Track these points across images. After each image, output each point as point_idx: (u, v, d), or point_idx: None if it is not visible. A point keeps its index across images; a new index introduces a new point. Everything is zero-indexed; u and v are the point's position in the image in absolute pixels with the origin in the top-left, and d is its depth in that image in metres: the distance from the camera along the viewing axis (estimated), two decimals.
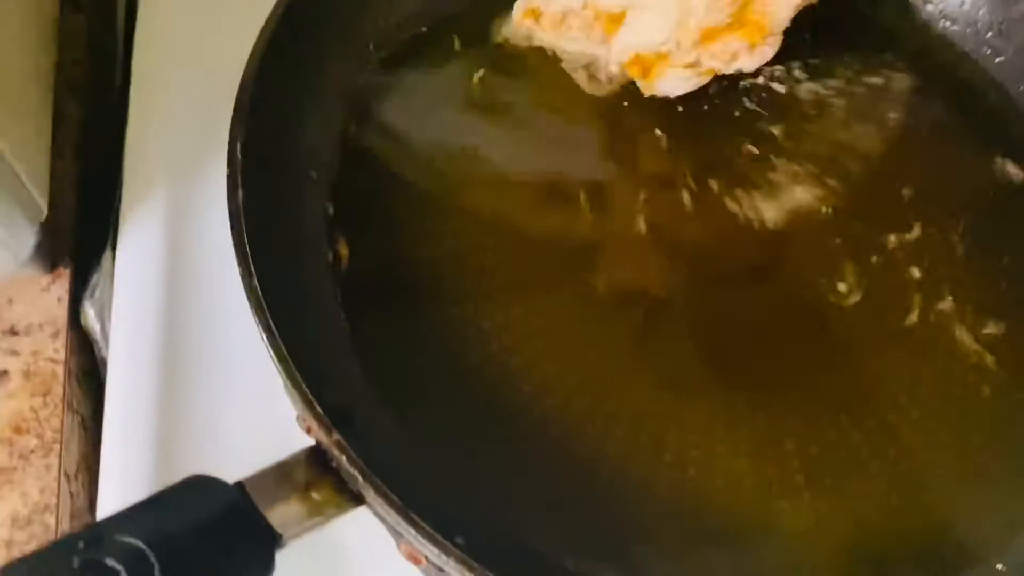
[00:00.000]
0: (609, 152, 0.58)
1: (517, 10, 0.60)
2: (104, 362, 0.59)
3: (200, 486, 0.37)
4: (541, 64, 0.60)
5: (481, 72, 0.60)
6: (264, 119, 0.50)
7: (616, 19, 0.56)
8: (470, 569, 0.38)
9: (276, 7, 0.53)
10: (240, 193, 0.46)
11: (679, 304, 0.52)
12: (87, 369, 0.60)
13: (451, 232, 0.54)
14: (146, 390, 0.54)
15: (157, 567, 0.33)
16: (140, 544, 0.33)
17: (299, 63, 0.54)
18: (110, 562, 0.32)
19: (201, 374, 0.55)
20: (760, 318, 0.52)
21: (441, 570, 0.41)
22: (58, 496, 0.54)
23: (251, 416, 0.53)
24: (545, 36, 0.60)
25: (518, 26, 0.60)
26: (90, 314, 0.59)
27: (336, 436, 0.39)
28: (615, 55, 0.56)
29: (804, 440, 0.49)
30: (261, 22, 0.53)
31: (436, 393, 0.49)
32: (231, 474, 0.41)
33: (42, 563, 0.33)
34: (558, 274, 0.53)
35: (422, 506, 0.39)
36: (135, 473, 0.52)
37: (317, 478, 0.40)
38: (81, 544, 0.33)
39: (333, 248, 0.53)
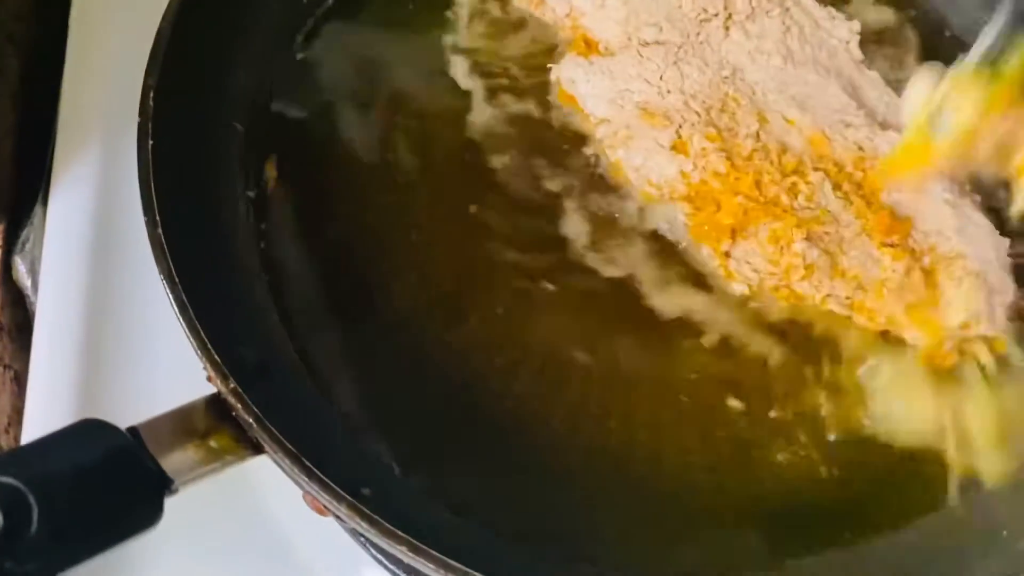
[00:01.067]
0: None
1: None
2: (33, 312, 0.59)
3: (89, 429, 0.36)
4: None
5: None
6: (183, 68, 0.50)
7: None
8: (364, 518, 0.38)
9: None
10: (150, 143, 0.46)
11: None
12: (19, 324, 0.60)
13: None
14: (72, 343, 0.54)
15: (36, 508, 0.33)
16: (19, 484, 0.33)
17: (220, 12, 0.53)
18: None
19: (127, 328, 0.55)
20: None
21: (340, 520, 0.41)
22: None
23: (174, 370, 0.53)
24: None
25: None
26: (21, 269, 0.59)
27: (232, 384, 0.39)
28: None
29: None
30: None
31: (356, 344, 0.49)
32: (135, 420, 0.41)
33: None
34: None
35: (321, 456, 0.39)
36: (58, 423, 0.52)
37: (215, 426, 0.40)
38: None
39: (255, 206, 0.52)
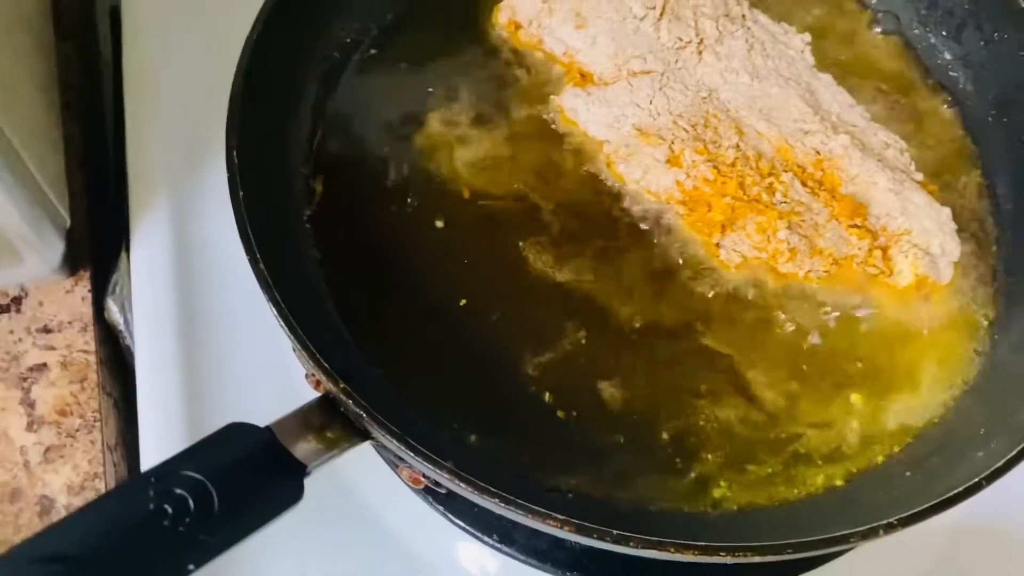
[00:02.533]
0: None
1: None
2: (129, 350, 0.67)
3: (237, 431, 0.46)
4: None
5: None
6: (252, 126, 0.59)
7: None
8: (462, 480, 0.47)
9: (260, 14, 0.61)
10: (241, 194, 0.55)
11: None
12: (113, 357, 0.69)
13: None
14: (169, 368, 0.63)
15: (215, 494, 0.42)
16: (200, 477, 0.42)
17: (282, 67, 0.62)
18: (179, 491, 0.41)
19: (215, 350, 0.64)
20: None
21: (438, 484, 0.51)
22: (104, 466, 0.63)
23: (261, 381, 0.62)
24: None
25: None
26: (113, 309, 0.67)
27: (343, 385, 0.49)
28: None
29: None
30: (237, 23, 0.61)
31: (415, 350, 0.59)
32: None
33: (125, 494, 0.42)
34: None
35: (416, 435, 0.49)
36: (169, 438, 0.61)
37: (329, 421, 0.49)
38: (153, 479, 0.42)
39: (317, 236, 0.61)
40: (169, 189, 0.70)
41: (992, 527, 0.62)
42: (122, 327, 0.67)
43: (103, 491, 0.62)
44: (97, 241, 0.70)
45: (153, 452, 0.60)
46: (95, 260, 0.69)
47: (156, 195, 0.70)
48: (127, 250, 0.68)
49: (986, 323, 0.61)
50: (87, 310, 0.67)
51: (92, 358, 0.66)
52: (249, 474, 0.44)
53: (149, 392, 0.63)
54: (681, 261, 0.62)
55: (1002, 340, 0.60)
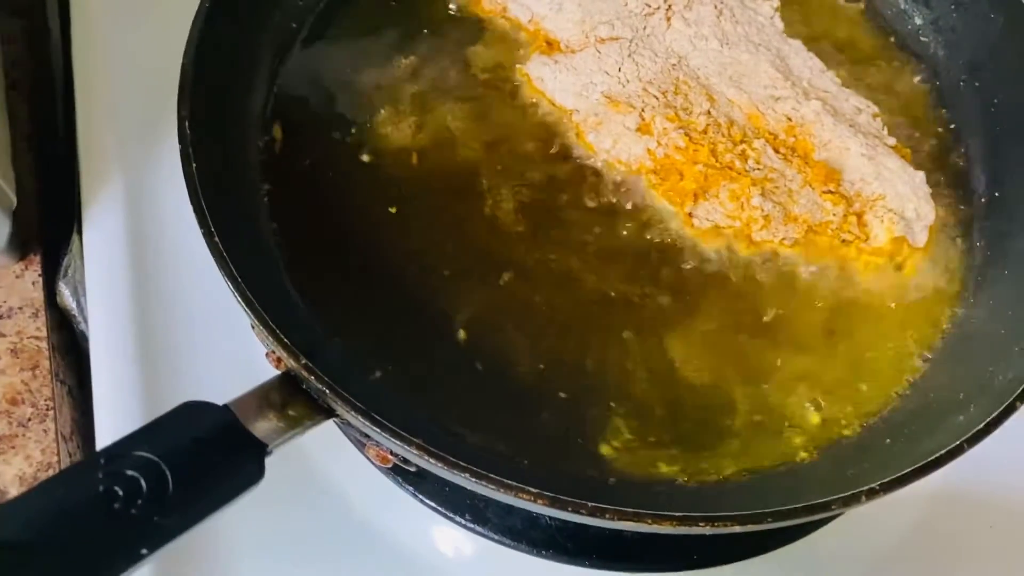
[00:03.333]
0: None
1: None
2: (83, 335, 0.65)
3: (194, 409, 0.44)
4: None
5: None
6: (204, 96, 0.56)
7: None
8: (432, 456, 0.45)
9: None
10: (194, 166, 0.52)
11: None
12: (67, 343, 0.66)
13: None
14: (125, 352, 0.61)
15: (169, 474, 0.40)
16: (153, 457, 0.40)
17: (233, 40, 0.60)
18: (130, 472, 0.39)
19: (172, 332, 0.62)
20: None
21: (407, 462, 0.49)
22: (58, 456, 0.60)
23: (221, 362, 0.60)
24: None
25: None
26: (65, 293, 0.65)
27: (304, 361, 0.47)
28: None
29: None
30: (188, 7, 0.58)
31: (373, 323, 0.56)
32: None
33: (72, 476, 0.40)
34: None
35: (383, 411, 0.47)
36: (127, 425, 0.58)
37: (291, 398, 0.47)
38: (103, 460, 0.39)
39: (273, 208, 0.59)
40: (122, 168, 0.67)
41: (972, 493, 0.62)
42: (75, 312, 0.65)
43: None
44: (47, 223, 0.67)
45: (108, 439, 0.58)
46: (45, 243, 0.66)
47: (108, 174, 0.67)
48: (79, 232, 0.65)
49: (961, 287, 0.60)
50: (38, 295, 0.64)
51: (44, 344, 0.63)
52: (206, 454, 0.42)
53: (104, 377, 0.60)
54: (653, 232, 0.60)
55: (977, 304, 0.59)
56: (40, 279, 0.65)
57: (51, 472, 0.60)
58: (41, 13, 0.79)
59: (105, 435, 0.58)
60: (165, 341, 0.61)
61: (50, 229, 0.67)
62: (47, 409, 0.61)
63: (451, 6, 0.68)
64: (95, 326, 0.62)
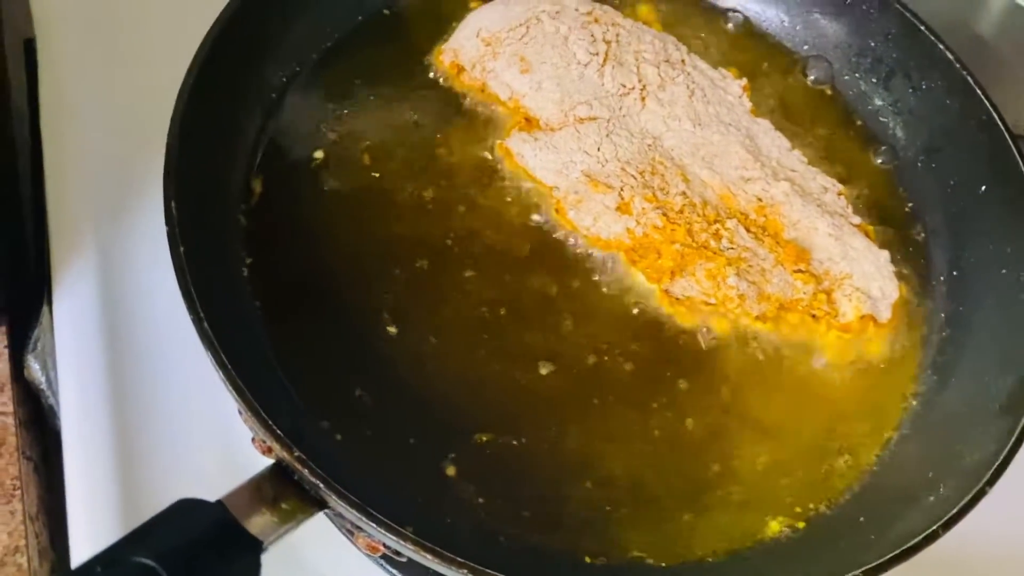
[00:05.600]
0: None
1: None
2: (52, 409, 0.63)
3: (188, 507, 0.43)
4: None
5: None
6: (190, 171, 0.56)
7: None
8: (424, 549, 0.45)
9: (191, 67, 0.58)
10: (182, 249, 0.52)
11: None
12: (33, 417, 0.64)
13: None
14: (99, 431, 0.59)
15: None
16: (150, 562, 0.39)
17: (215, 118, 0.60)
18: None
19: (149, 410, 0.60)
20: None
21: (399, 553, 0.49)
22: (26, 538, 0.58)
23: (201, 443, 0.59)
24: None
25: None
26: (34, 367, 0.63)
27: (297, 453, 0.46)
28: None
29: None
30: (154, 69, 0.58)
31: (360, 409, 0.56)
32: (193, 494, 0.47)
33: None
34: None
35: (374, 503, 0.47)
36: (100, 507, 0.57)
37: (282, 491, 0.47)
38: (99, 568, 0.38)
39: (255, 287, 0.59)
40: (95, 234, 0.66)
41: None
42: (44, 386, 0.63)
43: (25, 566, 0.58)
44: (14, 293, 0.65)
45: (83, 524, 0.56)
46: (12, 314, 0.64)
47: (80, 241, 0.66)
48: (49, 303, 0.63)
49: (924, 364, 0.63)
50: (4, 367, 0.63)
51: (10, 420, 0.61)
52: (203, 555, 0.41)
53: (78, 459, 0.58)
54: (631, 307, 0.62)
55: (941, 380, 0.62)
56: (6, 351, 0.63)
57: (19, 556, 0.58)
58: (2, 67, 0.78)
59: (79, 520, 0.57)
60: (141, 420, 0.60)
61: (18, 300, 0.65)
62: (14, 489, 0.59)
63: (431, 74, 0.69)
64: (67, 404, 0.60)
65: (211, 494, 0.46)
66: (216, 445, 0.59)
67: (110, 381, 0.61)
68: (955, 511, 0.50)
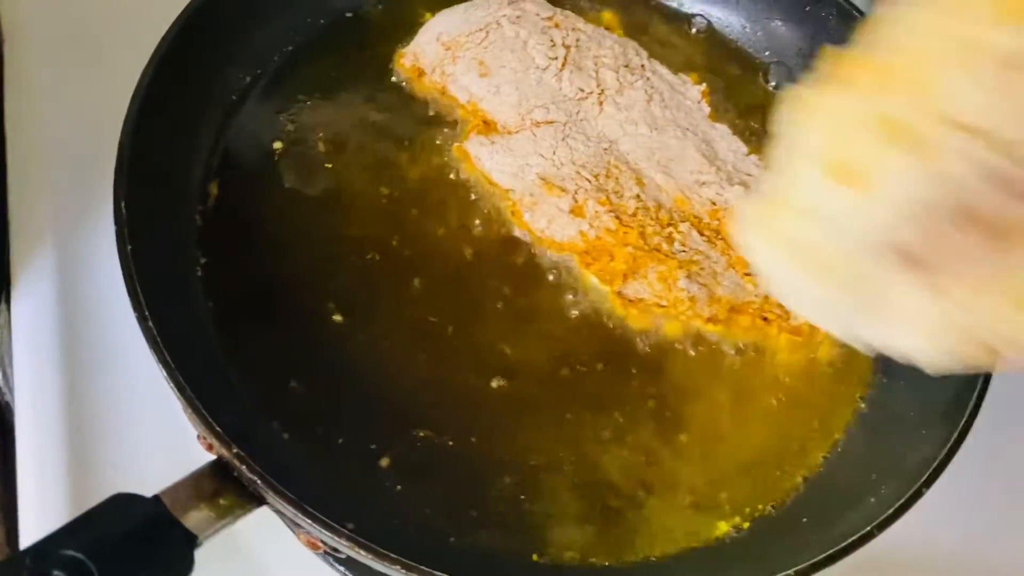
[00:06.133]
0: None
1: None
2: (7, 405, 0.64)
3: (123, 501, 0.43)
4: None
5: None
6: (142, 173, 0.57)
7: None
8: (360, 547, 0.46)
9: (147, 66, 0.59)
10: (128, 248, 0.52)
11: None
12: None
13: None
14: (53, 429, 0.60)
15: (96, 573, 0.40)
16: (79, 555, 0.39)
17: (170, 120, 0.60)
18: (56, 573, 0.39)
19: (103, 408, 0.61)
20: None
21: (336, 550, 0.49)
22: None
23: (153, 440, 0.59)
24: None
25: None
26: None
27: (235, 450, 0.47)
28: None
29: None
30: (120, 70, 0.59)
31: (309, 408, 0.57)
32: (141, 490, 0.47)
33: None
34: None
35: (314, 500, 0.48)
36: (51, 503, 0.57)
37: (222, 486, 0.47)
38: (28, 560, 0.39)
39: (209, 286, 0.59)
40: (55, 234, 0.67)
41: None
42: (1, 385, 0.63)
43: None
44: None
45: (33, 521, 0.57)
46: None
47: (41, 240, 0.66)
48: (7, 301, 0.64)
49: (874, 367, 0.63)
50: None
51: None
52: (135, 549, 0.42)
53: (30, 456, 0.59)
54: (583, 309, 0.62)
55: (889, 384, 0.62)
56: None
57: None
58: None
59: (29, 516, 0.57)
60: (95, 418, 0.60)
61: None
62: None
63: (392, 78, 0.70)
64: (21, 402, 0.61)
65: (159, 490, 0.47)
66: (168, 442, 0.59)
67: (66, 379, 0.61)
68: (890, 512, 0.50)
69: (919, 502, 0.51)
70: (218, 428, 0.47)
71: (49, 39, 0.74)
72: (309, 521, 0.46)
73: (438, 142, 0.68)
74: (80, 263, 0.66)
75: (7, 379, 0.63)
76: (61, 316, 0.64)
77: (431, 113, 0.69)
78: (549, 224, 0.63)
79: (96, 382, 0.62)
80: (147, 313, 0.51)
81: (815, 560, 0.49)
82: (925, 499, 0.52)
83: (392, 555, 0.46)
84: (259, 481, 0.46)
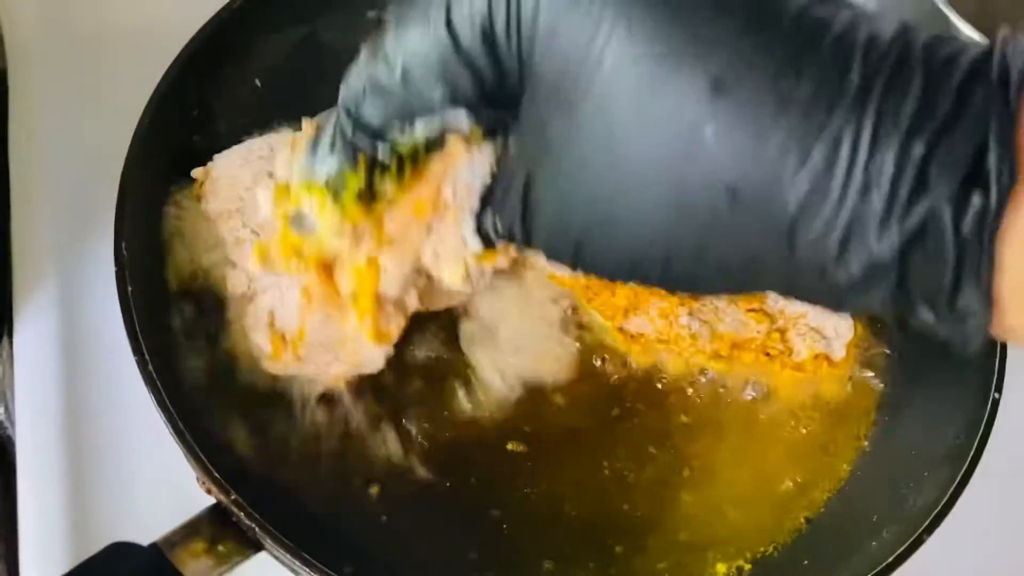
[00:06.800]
0: None
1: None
2: (9, 439, 0.64)
3: (120, 551, 0.43)
4: None
5: None
6: (147, 205, 0.57)
7: None
8: None
9: (144, 112, 0.59)
10: (129, 289, 0.52)
11: None
12: None
13: None
14: (54, 468, 0.60)
15: None
16: None
17: (173, 156, 0.60)
18: None
19: (103, 445, 0.61)
20: None
21: None
22: None
23: (154, 480, 0.59)
24: None
25: None
26: None
27: (234, 496, 0.47)
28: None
29: None
30: (120, 108, 0.59)
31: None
32: (144, 535, 0.48)
33: None
34: None
35: (312, 545, 0.47)
36: (53, 545, 0.57)
37: (220, 532, 0.47)
38: None
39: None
40: (58, 269, 0.66)
41: None
42: (2, 417, 0.63)
43: None
44: None
45: (33, 559, 0.57)
46: None
47: (43, 275, 0.66)
48: (9, 335, 0.64)
49: (877, 405, 0.63)
50: None
51: None
52: None
53: (31, 494, 0.59)
54: (584, 343, 0.62)
55: (893, 422, 0.62)
56: None
57: None
58: None
59: (29, 558, 0.57)
60: (96, 456, 0.60)
61: None
62: None
63: None
64: (22, 436, 0.61)
65: (160, 534, 0.47)
66: (170, 483, 0.59)
67: (67, 416, 0.61)
68: (891, 559, 0.50)
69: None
70: (215, 472, 0.47)
71: (55, 71, 0.75)
72: (306, 569, 0.46)
73: None
74: (83, 298, 0.65)
75: (9, 413, 0.63)
76: (63, 350, 0.63)
77: None
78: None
79: (99, 419, 0.61)
80: (147, 356, 0.51)
81: None
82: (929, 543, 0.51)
83: None
84: (257, 528, 0.46)
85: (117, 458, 0.60)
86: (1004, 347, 0.58)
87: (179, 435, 0.48)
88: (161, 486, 0.58)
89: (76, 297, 0.66)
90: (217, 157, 0.60)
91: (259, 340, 0.55)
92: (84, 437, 0.61)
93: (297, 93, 0.63)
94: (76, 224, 0.68)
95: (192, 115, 0.62)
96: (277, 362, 0.55)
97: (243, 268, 0.57)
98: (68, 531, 0.57)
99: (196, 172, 0.60)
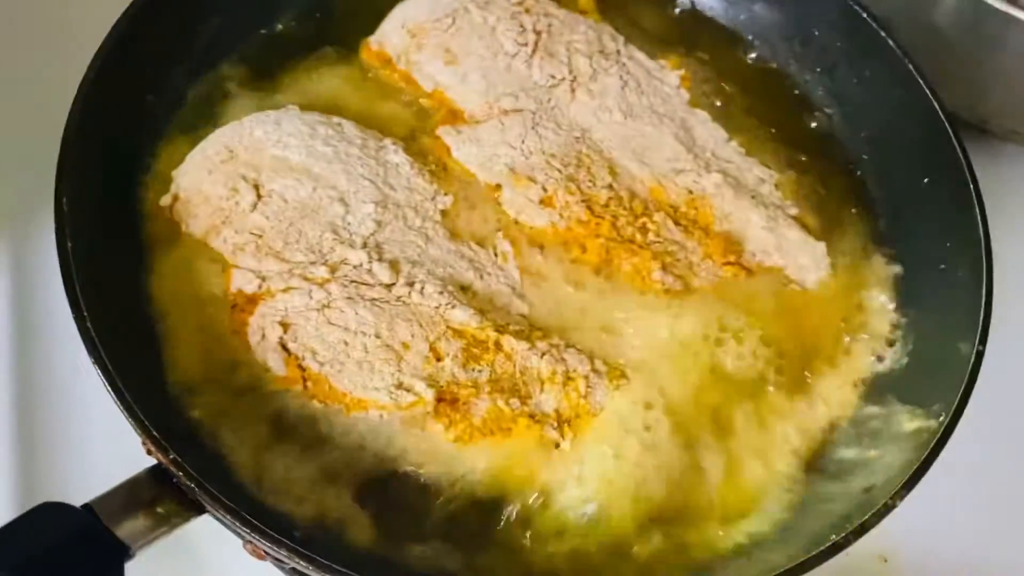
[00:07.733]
0: None
1: None
2: None
3: (50, 511, 0.41)
4: None
5: None
6: (84, 170, 0.54)
7: None
8: (301, 558, 0.44)
9: (91, 64, 0.57)
10: (69, 245, 0.50)
11: None
12: None
13: None
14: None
15: None
16: (2, 573, 0.37)
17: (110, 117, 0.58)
18: None
19: (52, 410, 0.59)
20: None
21: (283, 561, 0.47)
22: None
23: (100, 444, 0.57)
24: None
25: None
26: None
27: (172, 455, 0.44)
28: None
29: None
30: (65, 71, 0.56)
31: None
32: (84, 495, 0.45)
33: None
34: None
35: (255, 507, 0.45)
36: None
37: (161, 493, 0.45)
38: None
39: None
40: (8, 234, 0.65)
41: None
42: None
43: None
44: None
45: None
46: None
47: None
48: None
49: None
50: None
51: None
52: (59, 563, 0.40)
53: None
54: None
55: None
56: None
57: None
58: None
59: None
60: (43, 419, 0.58)
61: None
62: None
63: (359, 68, 0.67)
64: None
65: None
66: (120, 449, 0.57)
67: (13, 381, 0.60)
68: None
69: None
70: (155, 432, 0.45)
71: None
72: (247, 530, 0.44)
73: (405, 134, 0.65)
74: (28, 259, 0.64)
75: None
76: (6, 311, 0.62)
77: (398, 103, 0.66)
78: (518, 213, 0.61)
79: (48, 384, 0.60)
80: (85, 312, 0.48)
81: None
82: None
83: (338, 568, 0.43)
84: (197, 488, 0.44)
85: (59, 422, 0.58)
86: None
87: (117, 394, 0.46)
88: (110, 448, 0.56)
89: (21, 258, 0.64)
90: (176, 174, 0.58)
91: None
92: (28, 400, 0.59)
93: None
94: (20, 190, 0.66)
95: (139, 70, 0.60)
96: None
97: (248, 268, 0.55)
98: (10, 491, 0.55)
99: (163, 201, 0.58)
